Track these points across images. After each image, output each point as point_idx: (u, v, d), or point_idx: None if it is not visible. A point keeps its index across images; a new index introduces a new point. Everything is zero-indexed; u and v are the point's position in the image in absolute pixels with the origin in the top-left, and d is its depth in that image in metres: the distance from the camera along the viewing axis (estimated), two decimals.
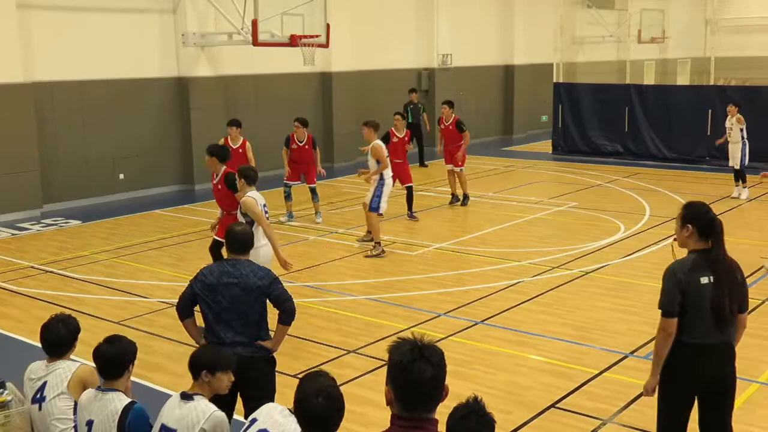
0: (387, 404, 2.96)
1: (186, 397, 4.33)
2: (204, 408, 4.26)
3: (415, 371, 2.86)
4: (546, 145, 21.99)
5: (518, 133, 25.29)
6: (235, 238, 5.37)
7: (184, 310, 5.38)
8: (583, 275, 10.11)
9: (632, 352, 7.54)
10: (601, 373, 7.09)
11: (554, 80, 21.99)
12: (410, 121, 18.91)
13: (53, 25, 14.62)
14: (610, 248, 11.40)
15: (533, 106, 25.53)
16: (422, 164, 19.34)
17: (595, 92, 20.72)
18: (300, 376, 4.66)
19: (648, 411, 6.25)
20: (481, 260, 10.93)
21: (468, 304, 9.05)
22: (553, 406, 6.46)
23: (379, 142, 11.45)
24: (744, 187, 14.69)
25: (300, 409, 3.38)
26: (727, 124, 14.96)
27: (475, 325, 8.38)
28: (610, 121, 20.13)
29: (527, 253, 11.20)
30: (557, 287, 9.63)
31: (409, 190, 13.35)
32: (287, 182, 13.48)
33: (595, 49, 27.38)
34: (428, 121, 19.73)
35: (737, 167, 14.68)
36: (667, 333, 4.63)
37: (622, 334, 8.04)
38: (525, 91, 25.24)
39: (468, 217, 13.54)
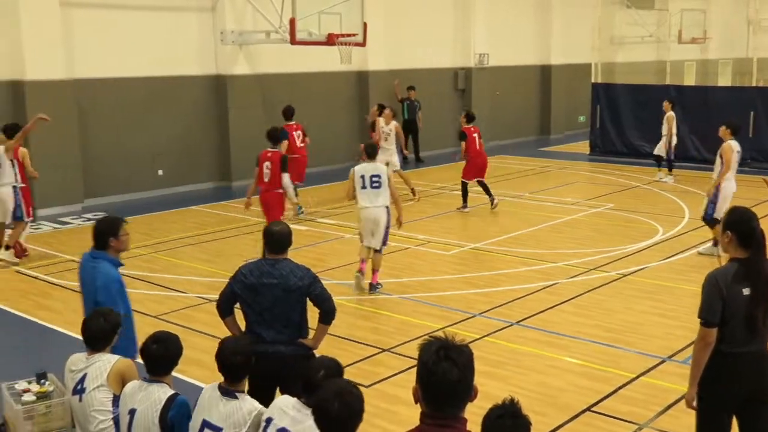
0: (414, 402, 2.98)
1: (228, 394, 4.34)
2: (250, 407, 4.28)
3: (439, 372, 2.86)
4: (583, 146, 21.78)
5: (555, 134, 25.11)
6: (273, 237, 5.33)
7: (225, 308, 5.41)
8: (621, 278, 10.01)
9: (670, 357, 7.45)
10: (637, 377, 7.02)
11: (592, 80, 21.77)
12: (405, 117, 19.15)
13: (94, 22, 14.86)
14: (648, 251, 11.27)
15: (570, 106, 25.33)
16: (418, 159, 19.82)
17: (633, 93, 20.46)
18: None
19: (684, 417, 6.17)
20: (516, 261, 10.88)
21: (503, 304, 9.02)
22: (588, 409, 6.41)
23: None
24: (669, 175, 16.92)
25: (317, 413, 3.42)
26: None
27: (510, 326, 8.35)
28: (648, 122, 19.83)
29: (563, 254, 11.12)
30: (593, 289, 9.55)
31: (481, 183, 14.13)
32: None
33: (635, 49, 27.06)
34: (421, 119, 20.03)
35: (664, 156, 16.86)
36: (706, 342, 4.51)
37: (659, 338, 7.95)
38: (562, 91, 25.05)
39: (503, 218, 13.48)
